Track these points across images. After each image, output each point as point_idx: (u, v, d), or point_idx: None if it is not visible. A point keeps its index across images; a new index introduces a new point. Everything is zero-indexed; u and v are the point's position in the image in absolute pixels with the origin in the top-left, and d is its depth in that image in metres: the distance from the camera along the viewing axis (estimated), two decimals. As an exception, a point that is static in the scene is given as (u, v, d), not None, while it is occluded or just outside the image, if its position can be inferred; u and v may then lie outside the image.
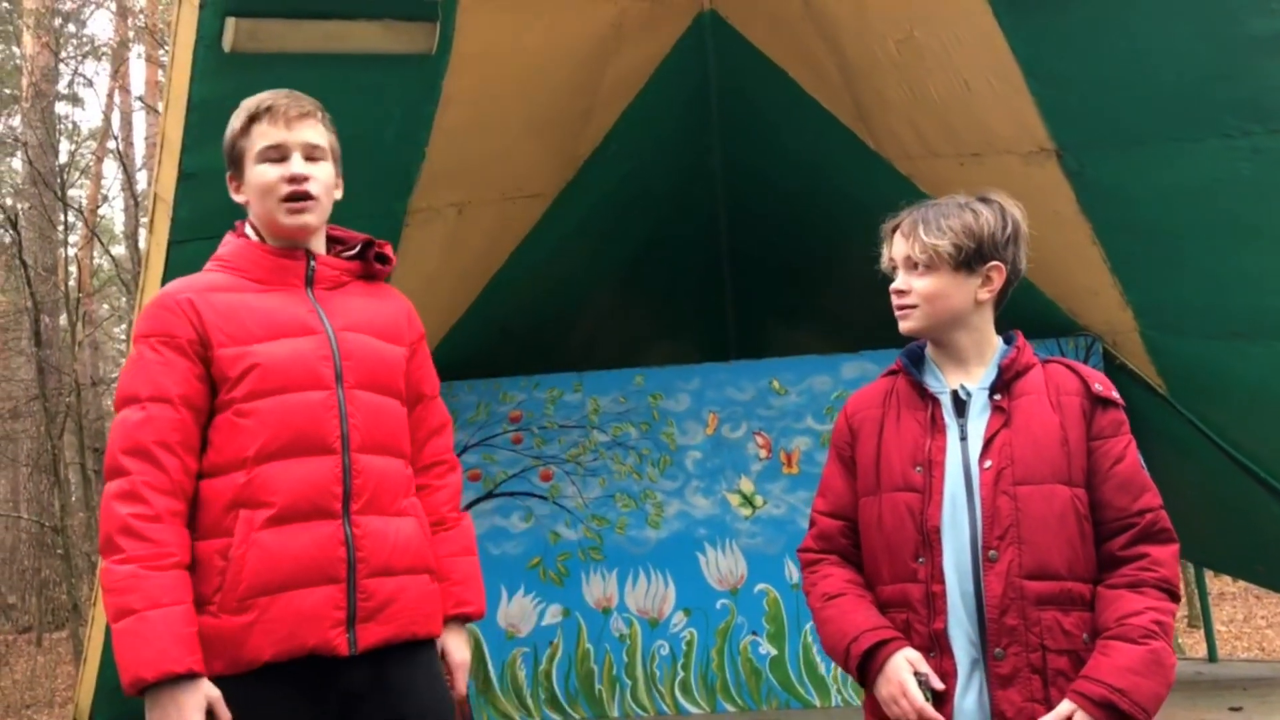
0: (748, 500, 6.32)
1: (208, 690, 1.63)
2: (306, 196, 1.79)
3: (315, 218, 1.83)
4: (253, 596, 1.67)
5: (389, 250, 1.98)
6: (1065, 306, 5.97)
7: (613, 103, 5.77)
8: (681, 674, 6.14)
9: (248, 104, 1.84)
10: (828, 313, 8.64)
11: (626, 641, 6.19)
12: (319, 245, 1.89)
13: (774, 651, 6.13)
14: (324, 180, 1.83)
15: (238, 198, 1.89)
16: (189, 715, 1.59)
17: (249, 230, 1.88)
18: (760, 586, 6.20)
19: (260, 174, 1.81)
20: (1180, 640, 12.76)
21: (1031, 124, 4.89)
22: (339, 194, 1.92)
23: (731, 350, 9.12)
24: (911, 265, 1.81)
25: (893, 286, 1.83)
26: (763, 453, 6.37)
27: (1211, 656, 8.01)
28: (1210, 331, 5.40)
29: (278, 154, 1.81)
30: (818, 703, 6.05)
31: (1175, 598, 1.70)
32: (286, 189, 1.79)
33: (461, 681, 1.91)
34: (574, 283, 6.96)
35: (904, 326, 1.84)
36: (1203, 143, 4.46)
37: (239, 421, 1.72)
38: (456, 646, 1.91)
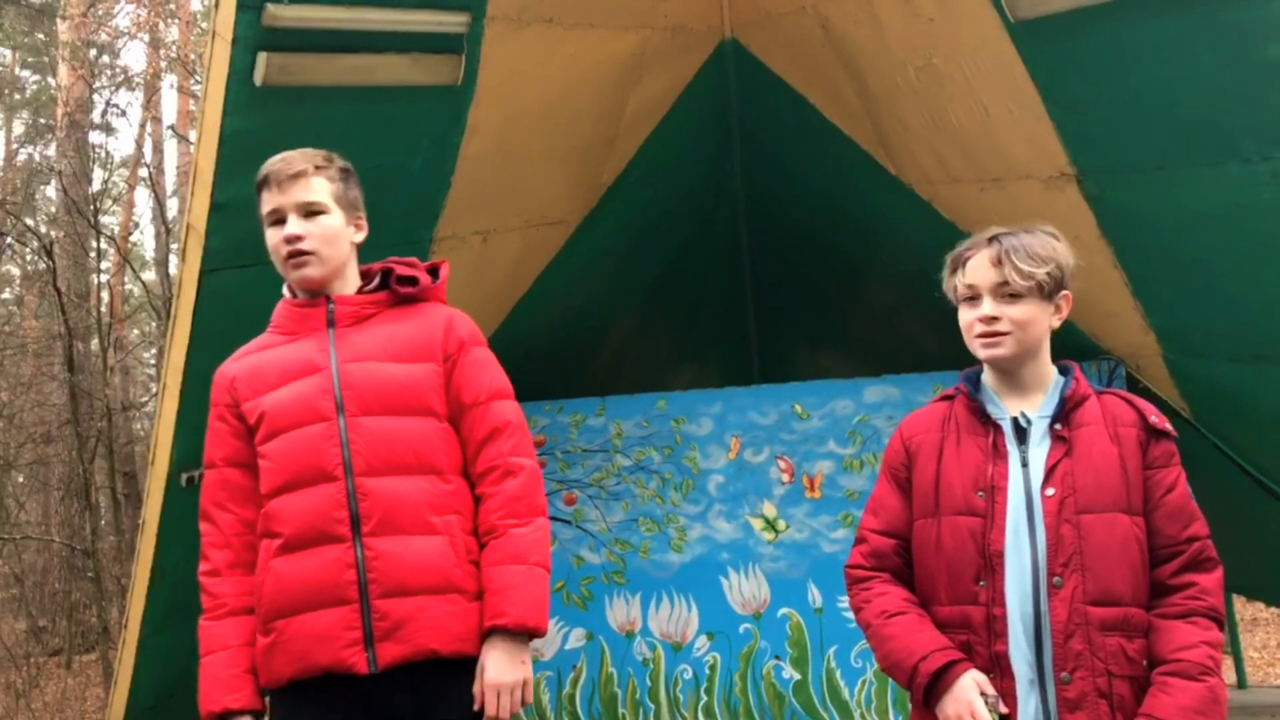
0: (770, 524, 6.33)
1: None
2: (302, 253, 1.93)
3: (316, 269, 1.95)
4: (271, 620, 1.81)
5: (416, 269, 2.03)
6: (1087, 330, 5.97)
7: (635, 130, 5.85)
8: (704, 698, 6.14)
9: (258, 175, 2.00)
10: (850, 337, 8.66)
11: (650, 665, 6.20)
12: (344, 286, 2.00)
13: (797, 676, 6.12)
14: (322, 233, 1.94)
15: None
16: None
17: (285, 289, 2.04)
18: (783, 611, 6.20)
19: (269, 238, 1.98)
20: (1211, 667, 12.58)
21: (1051, 149, 4.91)
22: (359, 235, 2.02)
23: (754, 374, 9.16)
24: (1004, 293, 1.83)
25: (981, 314, 1.85)
26: (785, 477, 6.39)
27: (1241, 683, 7.91)
28: (1233, 355, 5.38)
29: (276, 217, 1.95)
30: (842, 728, 6.03)
31: (1222, 625, 1.77)
32: (285, 249, 1.94)
33: (493, 703, 1.79)
34: (597, 308, 7.04)
35: (991, 354, 1.85)
36: (1222, 167, 4.47)
37: (261, 464, 1.89)
38: (491, 663, 1.81)
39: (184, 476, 4.79)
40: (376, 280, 2.03)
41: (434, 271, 2.07)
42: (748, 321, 8.83)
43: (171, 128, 16.54)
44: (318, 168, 1.98)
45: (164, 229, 15.08)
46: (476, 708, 1.81)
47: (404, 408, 1.89)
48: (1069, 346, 6.15)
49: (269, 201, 1.96)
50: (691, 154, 6.48)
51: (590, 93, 5.33)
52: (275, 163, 1.98)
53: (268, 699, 1.87)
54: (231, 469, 1.92)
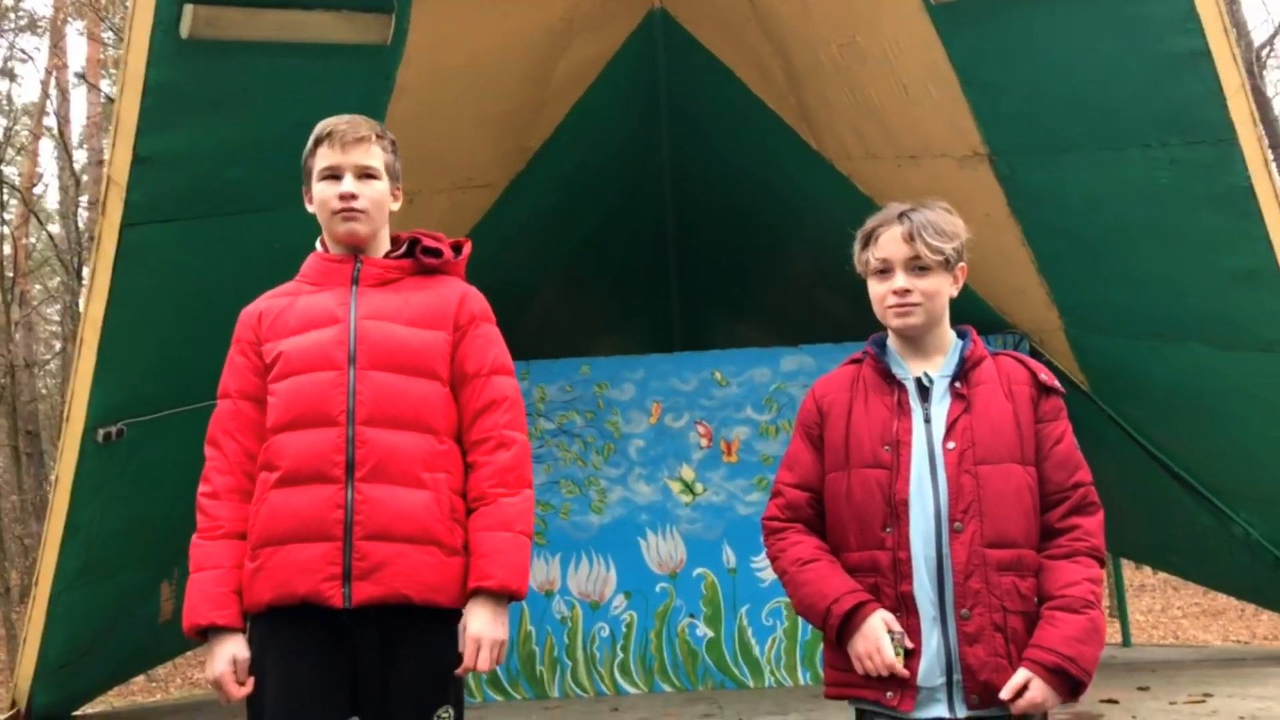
0: (688, 487, 6.48)
1: (236, 647, 1.92)
2: (354, 210, 2.05)
3: (363, 227, 2.07)
4: (260, 547, 1.92)
5: (441, 243, 2.15)
6: (995, 305, 6.20)
7: (563, 96, 5.87)
8: (621, 655, 6.29)
9: (317, 128, 2.10)
10: (769, 307, 8.84)
11: (568, 624, 6.32)
12: (376, 250, 2.12)
13: (710, 634, 6.30)
14: (373, 196, 2.07)
15: (309, 208, 2.14)
16: (216, 662, 1.92)
17: (318, 243, 2.15)
18: (699, 571, 6.36)
19: (319, 191, 2.07)
20: (1102, 629, 13.22)
21: (966, 129, 5.08)
22: (396, 205, 2.15)
23: (676, 342, 9.28)
24: (914, 267, 1.95)
25: (895, 286, 1.96)
26: (704, 441, 6.53)
27: (1126, 642, 8.37)
28: (1130, 332, 5.65)
29: (332, 173, 2.06)
30: (751, 683, 6.23)
31: (1102, 563, 1.93)
32: (338, 204, 2.04)
33: (470, 655, 1.91)
34: (523, 273, 7.06)
35: (904, 323, 1.97)
36: (1125, 152, 4.68)
37: (270, 400, 2.00)
38: (474, 619, 1.93)
39: (100, 433, 4.72)
40: (404, 248, 2.15)
41: (457, 248, 2.20)
42: (670, 290, 8.94)
43: (80, 75, 15.95)
44: (378, 136, 2.10)
45: (73, 180, 14.58)
46: (468, 664, 1.92)
47: (411, 368, 2.01)
48: (977, 320, 6.35)
49: (327, 157, 2.07)
50: (618, 122, 6.53)
51: (519, 57, 5.34)
52: (340, 123, 2.08)
53: (248, 622, 1.98)
54: (245, 401, 2.03)
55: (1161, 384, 5.76)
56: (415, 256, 2.12)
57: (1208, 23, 4.15)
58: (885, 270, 1.98)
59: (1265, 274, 4.67)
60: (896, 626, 1.84)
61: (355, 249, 2.09)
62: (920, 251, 1.94)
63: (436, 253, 2.13)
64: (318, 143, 2.08)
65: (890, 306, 1.97)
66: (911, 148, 5.45)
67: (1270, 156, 4.57)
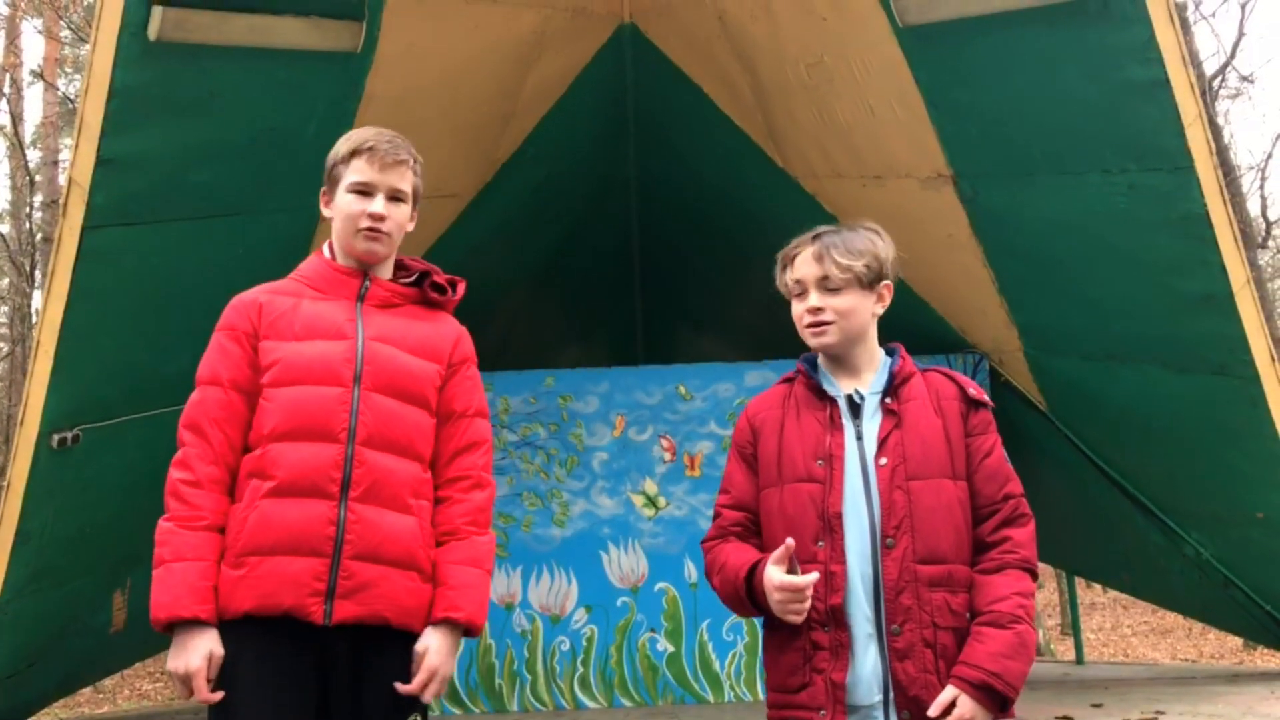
0: (651, 501, 6.48)
1: (213, 643, 1.87)
2: (379, 232, 2.06)
3: (383, 248, 2.09)
4: (246, 555, 1.90)
5: (447, 280, 2.18)
6: (956, 324, 6.27)
7: (532, 108, 5.88)
8: (581, 669, 6.26)
9: (354, 136, 2.10)
10: (733, 322, 8.87)
11: (528, 637, 6.29)
12: (383, 271, 2.15)
13: (671, 648, 6.30)
14: (398, 219, 2.10)
15: (325, 212, 2.13)
16: (192, 656, 1.86)
17: (326, 249, 2.14)
18: (660, 585, 6.36)
19: (346, 203, 2.07)
20: (1052, 646, 13.39)
21: (931, 150, 5.15)
22: (411, 227, 2.16)
23: (640, 355, 9.29)
24: (826, 286, 1.98)
25: (808, 305, 2.00)
26: (667, 455, 6.54)
27: (1079, 660, 8.47)
28: (1087, 353, 5.75)
29: (364, 189, 2.07)
30: (711, 698, 6.23)
31: (1034, 574, 1.95)
32: (366, 222, 2.05)
33: (420, 682, 1.93)
34: (488, 284, 7.03)
35: (820, 342, 2.01)
36: (1085, 176, 4.77)
37: (265, 404, 1.98)
38: (434, 650, 1.96)
39: (55, 438, 4.63)
40: (414, 277, 2.18)
41: (453, 285, 2.25)
42: (634, 303, 8.95)
43: (37, 73, 15.68)
44: (414, 159, 2.14)
45: (27, 180, 14.32)
46: (416, 689, 1.94)
47: (409, 396, 2.04)
48: (937, 340, 6.48)
49: (362, 172, 2.07)
50: (586, 135, 6.54)
51: (489, 68, 5.34)
52: (382, 140, 2.09)
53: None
54: (236, 393, 2.00)
55: (1116, 405, 5.85)
56: (423, 288, 2.16)
57: (1167, 53, 4.24)
58: (801, 291, 2.02)
59: (1219, 299, 4.77)
60: (790, 547, 1.86)
61: (365, 266, 2.11)
62: (829, 271, 1.99)
63: (441, 289, 2.17)
64: (354, 154, 2.08)
65: (806, 326, 2.02)
66: (876, 168, 5.52)
67: (1224, 184, 4.68)
